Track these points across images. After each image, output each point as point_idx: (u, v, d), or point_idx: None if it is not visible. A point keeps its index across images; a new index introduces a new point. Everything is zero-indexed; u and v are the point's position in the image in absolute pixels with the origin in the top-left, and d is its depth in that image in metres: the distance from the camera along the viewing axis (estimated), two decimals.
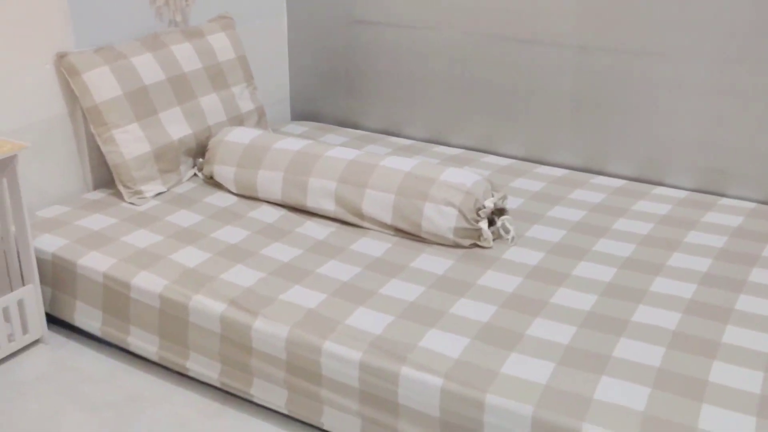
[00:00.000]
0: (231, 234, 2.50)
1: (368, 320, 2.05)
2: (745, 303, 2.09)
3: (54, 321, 2.52)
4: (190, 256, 2.36)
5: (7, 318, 2.36)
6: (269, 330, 2.05)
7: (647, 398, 1.74)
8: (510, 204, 2.70)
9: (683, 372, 1.82)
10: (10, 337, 2.36)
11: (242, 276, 2.25)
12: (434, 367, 1.87)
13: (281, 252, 2.39)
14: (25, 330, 2.38)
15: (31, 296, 2.37)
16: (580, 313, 2.06)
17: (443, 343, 1.95)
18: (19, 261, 2.39)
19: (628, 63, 2.88)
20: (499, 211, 2.49)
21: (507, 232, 2.46)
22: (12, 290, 2.42)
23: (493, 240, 2.44)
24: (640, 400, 1.74)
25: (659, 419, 1.69)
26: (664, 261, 2.32)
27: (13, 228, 2.38)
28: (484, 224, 2.41)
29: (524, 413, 1.75)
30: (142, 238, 2.46)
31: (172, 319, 2.21)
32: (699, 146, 2.85)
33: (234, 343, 2.11)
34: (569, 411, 1.73)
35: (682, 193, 2.82)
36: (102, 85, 2.66)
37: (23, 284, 2.40)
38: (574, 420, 1.71)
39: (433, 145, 3.33)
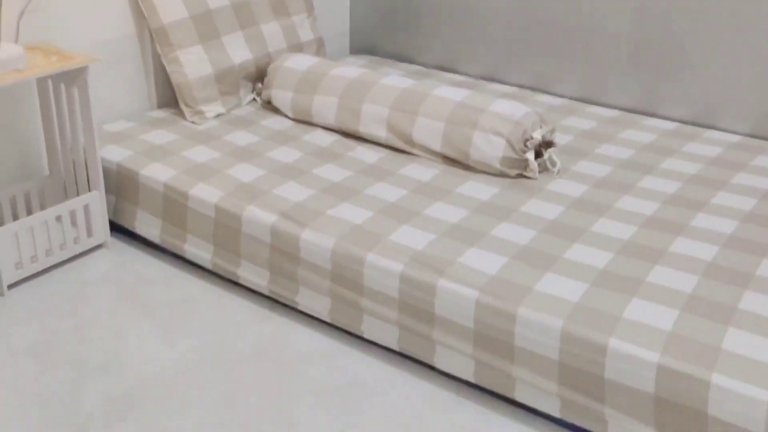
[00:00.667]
0: (285, 154, 2.61)
1: (411, 237, 2.13)
2: None
3: (116, 228, 2.67)
4: (245, 172, 2.47)
5: (73, 222, 2.51)
6: (316, 241, 2.16)
7: (675, 319, 1.80)
8: (559, 140, 2.74)
9: (713, 299, 1.87)
10: (76, 240, 2.51)
11: (293, 192, 2.36)
12: (470, 281, 1.95)
13: (332, 172, 2.49)
14: (89, 233, 2.54)
15: (96, 202, 2.51)
16: (618, 241, 2.11)
17: (481, 261, 2.02)
18: (87, 169, 2.53)
19: (687, 3, 2.86)
20: (547, 144, 2.54)
21: (553, 164, 2.50)
22: (79, 195, 2.57)
23: (539, 172, 2.49)
24: (668, 321, 1.79)
25: (684, 338, 1.74)
26: (708, 199, 2.34)
27: (82, 138, 2.52)
28: (530, 155, 2.46)
29: (554, 326, 1.82)
30: (200, 154, 2.58)
31: (225, 228, 2.33)
32: (755, 90, 2.83)
33: (283, 252, 2.22)
34: (597, 326, 1.79)
35: (735, 138, 2.81)
36: (169, 6, 2.76)
37: (89, 190, 2.55)
38: (602, 334, 1.77)
39: (488, 82, 3.36)
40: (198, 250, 2.42)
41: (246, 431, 1.89)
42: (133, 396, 1.99)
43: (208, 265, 2.42)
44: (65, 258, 2.49)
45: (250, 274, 2.32)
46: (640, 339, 1.75)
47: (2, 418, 1.91)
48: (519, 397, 1.91)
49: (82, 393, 2.00)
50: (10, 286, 2.39)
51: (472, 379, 1.98)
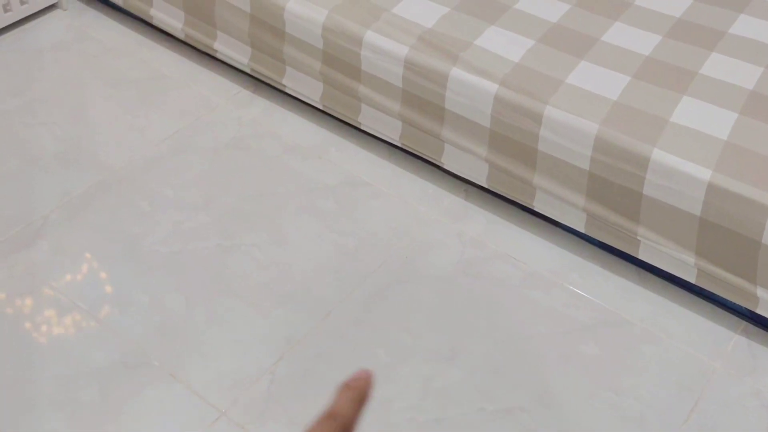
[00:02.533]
0: None
1: (419, 9, 1.77)
2: None
3: None
4: None
5: None
6: (305, 13, 1.79)
7: (732, 125, 1.50)
8: None
9: None
10: None
11: None
12: (490, 71, 1.63)
13: None
14: None
15: None
16: (669, 19, 1.75)
17: (503, 44, 1.68)
18: None
19: None
20: None
21: None
22: None
23: None
24: (724, 128, 1.50)
25: (740, 149, 1.46)
26: None
27: None
28: None
29: (587, 130, 1.52)
30: None
31: None
32: None
33: (265, 25, 1.86)
34: (640, 133, 1.50)
35: None
36: None
37: None
38: (645, 144, 1.48)
39: None
40: (167, 16, 2.05)
41: (225, 236, 1.66)
42: (95, 194, 1.74)
43: (180, 35, 2.06)
44: (11, 22, 2.12)
45: (229, 49, 1.97)
46: (691, 151, 1.47)
47: None
48: (538, 207, 1.66)
49: (35, 190, 1.75)
50: None
51: (484, 184, 1.72)
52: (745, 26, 1.73)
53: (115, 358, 1.45)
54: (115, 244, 1.64)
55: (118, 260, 1.61)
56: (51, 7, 2.21)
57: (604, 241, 1.61)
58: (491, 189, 1.72)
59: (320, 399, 1.39)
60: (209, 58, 2.08)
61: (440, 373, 1.45)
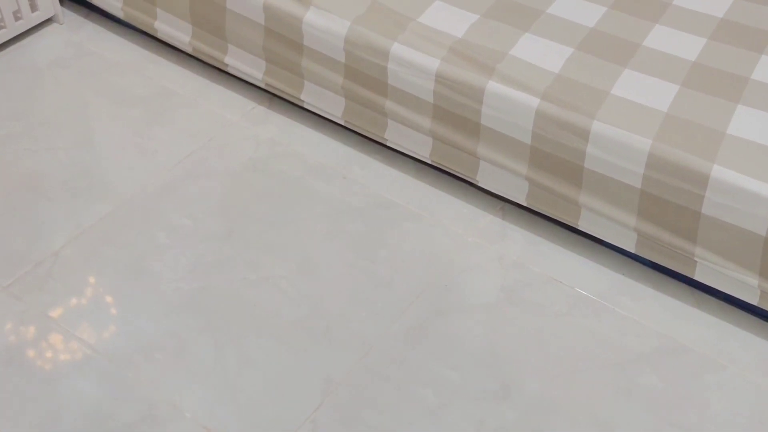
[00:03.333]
0: None
1: (446, 17, 1.66)
2: None
3: None
4: None
5: None
6: (325, 25, 1.67)
7: None
8: None
9: None
10: (17, 15, 1.99)
11: None
12: (529, 83, 1.52)
13: None
14: (33, 7, 2.02)
15: None
16: (712, 20, 1.65)
17: (540, 53, 1.57)
18: None
19: None
20: None
21: None
22: None
23: None
24: None
25: None
26: None
27: None
28: None
29: (639, 147, 1.42)
30: None
31: (205, 3, 1.83)
32: None
33: (282, 38, 1.74)
34: (696, 147, 1.40)
35: None
36: None
37: None
38: (704, 161, 1.39)
39: None
40: (173, 29, 1.92)
41: (251, 268, 1.55)
42: (108, 227, 1.63)
43: (188, 49, 1.94)
44: (5, 39, 2.00)
45: (241, 62, 1.85)
46: (750, 165, 1.37)
47: None
48: (584, 227, 1.56)
49: (44, 223, 1.63)
50: None
51: (524, 202, 1.62)
52: None
53: (144, 411, 1.34)
54: (134, 283, 1.53)
55: (138, 301, 1.50)
56: (46, 22, 2.08)
57: (656, 261, 1.51)
58: (531, 207, 1.62)
59: None
60: (219, 72, 1.96)
61: (493, 413, 1.36)
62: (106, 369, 1.40)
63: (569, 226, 1.62)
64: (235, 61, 1.85)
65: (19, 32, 2.01)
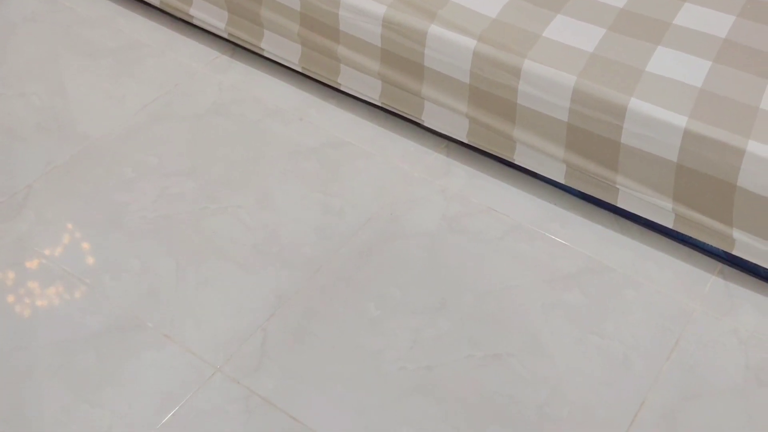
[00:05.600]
0: None
1: None
2: None
3: None
4: None
5: None
6: None
7: (704, 77, 1.53)
8: None
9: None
10: None
11: None
12: (467, 27, 1.65)
13: None
14: None
15: None
16: None
17: (478, 0, 1.70)
18: None
19: None
20: None
21: None
22: None
23: None
24: (698, 77, 1.53)
25: (713, 96, 1.49)
26: None
27: None
28: None
29: (565, 83, 1.55)
30: None
31: None
32: None
33: None
34: (616, 83, 1.53)
35: None
36: None
37: None
38: (622, 94, 1.52)
39: None
40: None
41: (212, 200, 1.68)
42: (78, 164, 1.75)
43: (155, 2, 2.05)
44: None
45: (206, 14, 1.97)
46: (666, 99, 1.50)
47: None
48: (519, 160, 1.70)
49: (17, 160, 1.75)
50: None
51: (464, 140, 1.74)
52: None
53: (110, 322, 1.47)
54: (101, 212, 1.65)
55: (105, 227, 1.63)
56: None
57: (583, 191, 1.65)
58: (472, 144, 1.75)
59: (312, 353, 1.43)
60: (186, 24, 2.08)
61: (429, 324, 1.49)
62: (76, 286, 1.52)
63: (506, 161, 1.75)
64: (200, 12, 1.97)
65: None
